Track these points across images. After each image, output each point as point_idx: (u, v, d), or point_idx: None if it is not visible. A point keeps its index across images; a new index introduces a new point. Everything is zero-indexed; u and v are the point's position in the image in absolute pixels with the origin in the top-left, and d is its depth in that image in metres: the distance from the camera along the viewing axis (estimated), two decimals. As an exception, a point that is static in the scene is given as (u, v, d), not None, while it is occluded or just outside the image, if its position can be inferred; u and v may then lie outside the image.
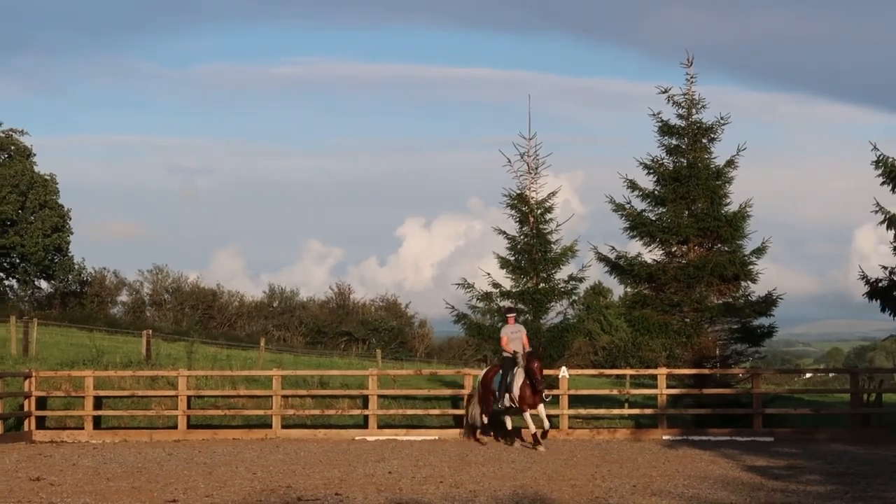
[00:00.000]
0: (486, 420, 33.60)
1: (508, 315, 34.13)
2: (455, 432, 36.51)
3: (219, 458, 29.36)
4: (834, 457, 29.37)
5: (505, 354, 33.24)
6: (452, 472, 25.54)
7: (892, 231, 40.37)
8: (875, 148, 40.41)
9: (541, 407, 31.47)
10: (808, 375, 69.37)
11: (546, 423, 31.71)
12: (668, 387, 37.64)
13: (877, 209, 40.47)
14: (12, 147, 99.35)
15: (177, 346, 58.62)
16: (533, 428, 31.23)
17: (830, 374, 77.87)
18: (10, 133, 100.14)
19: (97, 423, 37.17)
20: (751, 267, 41.67)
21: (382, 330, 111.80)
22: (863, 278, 41.35)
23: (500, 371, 33.28)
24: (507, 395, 31.43)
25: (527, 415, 31.20)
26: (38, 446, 33.85)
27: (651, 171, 42.21)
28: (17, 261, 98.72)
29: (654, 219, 41.99)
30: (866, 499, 20.66)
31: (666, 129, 42.21)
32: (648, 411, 37.55)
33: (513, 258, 42.47)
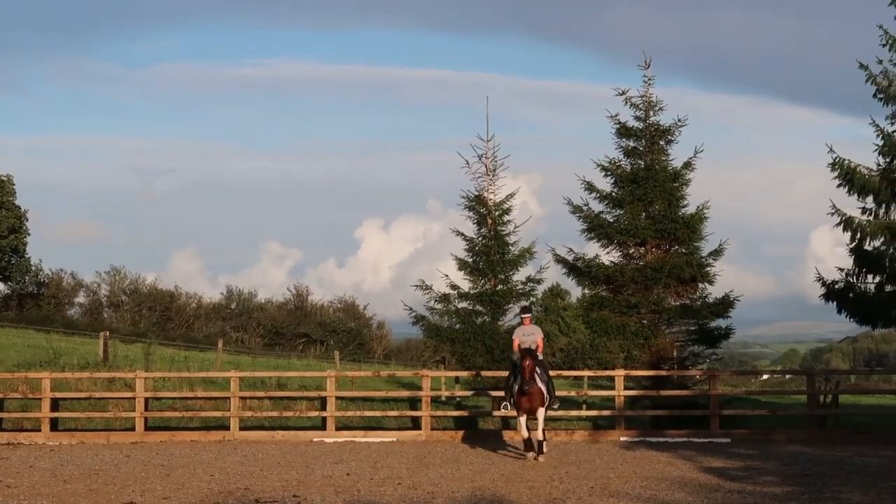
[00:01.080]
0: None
1: (524, 316, 30.36)
2: (413, 434, 36.53)
3: (176, 459, 29.33)
4: (790, 458, 29.51)
5: (515, 359, 29.59)
6: (410, 474, 25.58)
7: (849, 233, 40.59)
8: (831, 150, 40.70)
9: (540, 412, 28.41)
10: (764, 377, 69.85)
11: (541, 434, 28.77)
12: (626, 388, 37.69)
13: (833, 211, 40.72)
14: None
15: (134, 348, 58.55)
16: (525, 433, 28.29)
17: (787, 376, 78.46)
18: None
19: (54, 424, 37.08)
20: (708, 269, 41.74)
21: (341, 331, 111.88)
22: (819, 280, 41.60)
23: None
24: (511, 399, 28.86)
25: (522, 420, 28.39)
26: (-5, 448, 33.76)
27: (609, 172, 42.23)
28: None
29: (611, 220, 42.03)
30: (822, 500, 20.78)
31: (623, 131, 42.22)
32: (606, 413, 37.62)
33: (471, 260, 42.47)
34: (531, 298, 42.04)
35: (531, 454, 27.81)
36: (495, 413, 30.35)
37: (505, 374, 33.17)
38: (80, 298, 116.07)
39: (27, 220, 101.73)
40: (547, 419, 29.77)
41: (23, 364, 43.87)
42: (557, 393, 30.27)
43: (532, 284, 42.64)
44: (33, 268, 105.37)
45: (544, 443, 28.73)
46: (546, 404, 28.49)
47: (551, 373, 35.06)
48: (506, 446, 30.76)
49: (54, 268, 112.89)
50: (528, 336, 29.24)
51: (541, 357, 29.15)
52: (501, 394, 32.24)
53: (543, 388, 27.95)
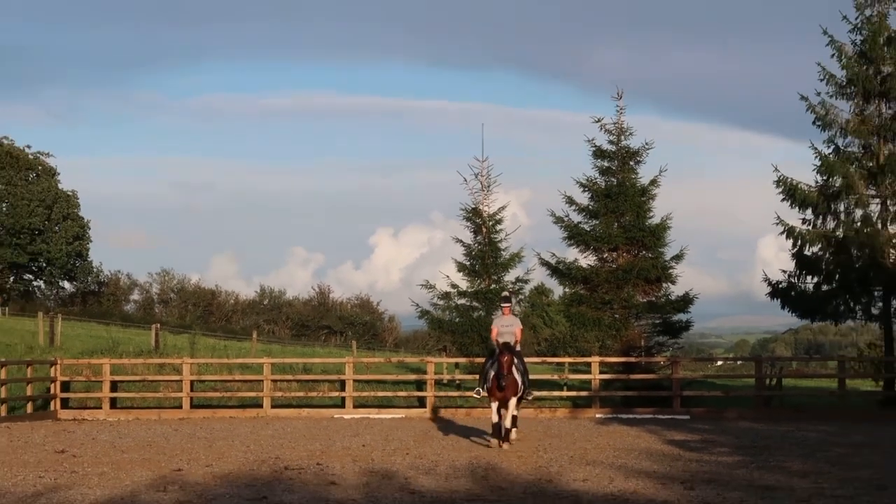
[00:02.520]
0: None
1: (504, 305, 26.55)
2: (419, 411, 36.48)
3: (217, 433, 29.28)
4: (741, 432, 29.46)
5: (492, 346, 26.21)
6: (417, 445, 25.53)
7: (791, 240, 40.62)
8: (776, 170, 40.74)
9: (511, 402, 24.70)
10: (719, 363, 69.44)
11: (508, 421, 24.83)
12: (601, 372, 37.64)
13: (777, 222, 40.76)
14: (39, 167, 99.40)
15: (181, 338, 58.37)
16: (496, 418, 24.80)
17: (738, 362, 77.87)
18: (38, 155, 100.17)
19: (113, 403, 37.06)
20: (671, 271, 42.01)
21: (357, 324, 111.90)
22: (766, 281, 41.61)
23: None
24: (485, 385, 25.27)
25: (493, 406, 24.86)
26: (63, 423, 33.71)
27: (586, 188, 42.54)
28: (44, 265, 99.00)
29: (588, 229, 42.28)
30: (768, 468, 20.74)
31: (599, 153, 42.61)
32: (584, 393, 37.57)
33: (468, 263, 42.62)
34: (520, 296, 42.01)
35: (496, 441, 24.80)
36: (474, 395, 28.18)
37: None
38: (135, 296, 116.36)
39: (89, 229, 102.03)
40: (533, 400, 28.73)
41: (86, 352, 43.76)
42: (542, 377, 29.41)
43: (520, 284, 42.83)
44: (94, 270, 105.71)
45: (512, 431, 25.14)
46: (519, 394, 25.12)
47: (536, 360, 34.98)
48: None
49: (112, 270, 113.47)
50: (507, 327, 25.68)
51: (518, 348, 25.74)
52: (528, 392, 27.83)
53: (518, 380, 24.82)
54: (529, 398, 27.73)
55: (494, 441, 24.87)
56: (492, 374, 24.87)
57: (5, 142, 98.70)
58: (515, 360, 24.97)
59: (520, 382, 24.95)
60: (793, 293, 41.13)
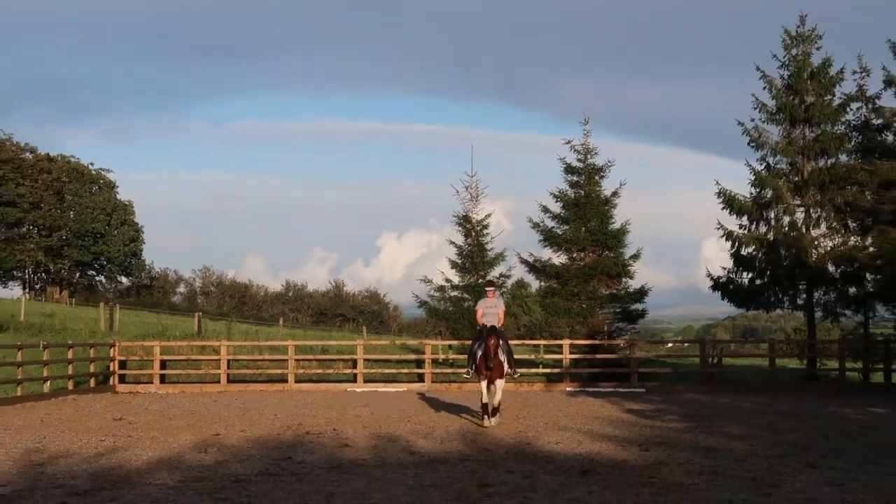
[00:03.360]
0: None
1: (487, 289, 24.84)
2: (419, 385, 36.48)
3: (249, 404, 29.26)
4: (688, 403, 29.45)
5: (479, 328, 24.08)
6: (416, 414, 25.51)
7: (729, 242, 40.78)
8: (717, 184, 41.06)
9: (498, 382, 22.69)
10: (669, 345, 69.60)
11: (496, 401, 22.85)
12: (571, 353, 37.64)
13: (718, 227, 40.96)
14: (101, 181, 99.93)
15: (219, 324, 58.40)
16: (485, 398, 22.67)
17: (685, 344, 77.89)
18: (100, 171, 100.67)
19: (162, 379, 37.06)
20: (629, 268, 42.13)
21: (367, 312, 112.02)
22: (709, 276, 41.80)
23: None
24: (473, 365, 23.29)
25: (483, 384, 22.63)
26: (120, 395, 33.69)
27: (558, 199, 42.71)
28: (105, 263, 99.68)
29: (560, 233, 42.40)
30: (710, 432, 20.75)
31: (569, 170, 42.76)
32: (556, 370, 37.52)
33: (460, 261, 42.72)
34: (503, 289, 41.94)
35: (486, 420, 22.44)
36: (465, 375, 27.29)
37: None
38: (181, 288, 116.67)
39: (142, 232, 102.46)
40: (515, 375, 25.18)
41: (139, 335, 43.81)
42: (521, 357, 28.33)
43: (503, 278, 42.82)
44: (147, 267, 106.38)
45: (499, 410, 23.17)
46: (505, 375, 22.95)
47: (517, 342, 34.76)
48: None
49: (162, 267, 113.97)
50: (491, 308, 23.56)
51: (501, 327, 23.48)
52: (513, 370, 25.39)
53: (504, 361, 22.63)
54: (516, 377, 25.31)
55: (485, 421, 22.41)
56: (479, 354, 22.78)
57: (72, 160, 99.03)
58: (501, 342, 22.73)
59: (505, 364, 22.81)
60: (731, 286, 41.26)
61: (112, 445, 18.32)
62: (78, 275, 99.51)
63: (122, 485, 13.61)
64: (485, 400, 22.66)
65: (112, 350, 36.98)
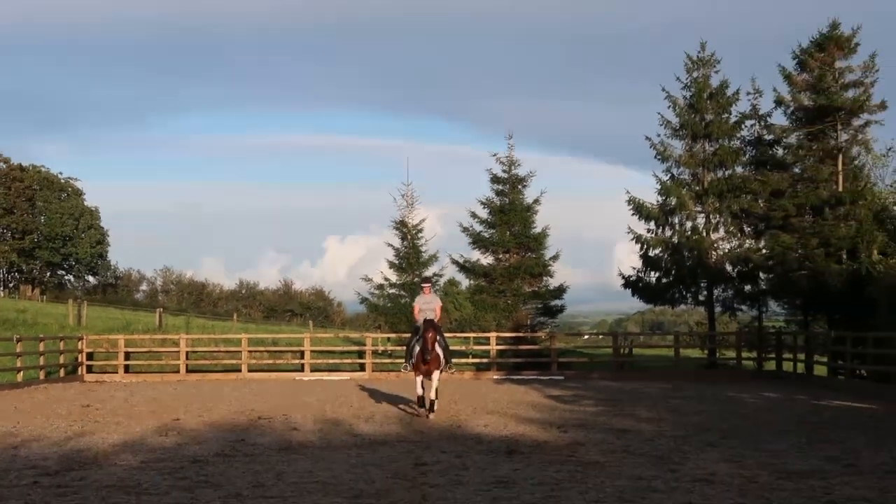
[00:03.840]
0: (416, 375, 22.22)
1: (423, 285, 23.12)
2: (360, 374, 36.40)
3: (206, 392, 29.05)
4: (602, 389, 29.63)
5: (416, 324, 22.32)
6: (358, 401, 25.46)
7: (639, 245, 41.01)
8: (628, 192, 41.25)
9: (435, 374, 21.29)
10: (585, 337, 69.81)
11: (433, 393, 21.19)
12: (497, 344, 37.75)
13: (629, 231, 41.14)
14: (69, 188, 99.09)
15: (179, 319, 57.83)
16: (420, 391, 21.07)
17: (600, 337, 78.31)
18: (68, 179, 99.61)
19: (126, 369, 36.72)
20: (549, 268, 42.62)
21: (313, 308, 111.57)
22: (620, 275, 41.98)
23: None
24: (411, 361, 21.53)
25: (418, 380, 21.13)
26: (88, 384, 33.32)
27: (485, 206, 43.12)
28: (73, 263, 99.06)
29: (487, 237, 42.76)
30: (622, 414, 20.88)
31: (495, 179, 43.09)
32: (485, 360, 37.61)
33: (397, 262, 42.85)
34: (436, 287, 42.00)
35: (423, 411, 20.87)
36: (402, 370, 25.18)
37: None
38: (143, 287, 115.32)
39: (108, 235, 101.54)
40: (451, 370, 24.17)
41: (105, 329, 43.31)
42: (452, 348, 27.58)
43: (437, 277, 42.73)
44: (112, 267, 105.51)
45: (436, 402, 21.37)
46: (441, 368, 21.59)
47: (449, 335, 34.66)
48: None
49: (126, 267, 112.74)
50: (428, 304, 22.07)
51: (438, 323, 22.03)
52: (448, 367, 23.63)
53: (441, 354, 21.30)
54: (451, 371, 24.17)
55: (422, 411, 20.80)
56: (417, 349, 21.22)
57: (43, 169, 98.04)
58: (438, 337, 21.30)
59: (442, 357, 21.44)
60: (640, 285, 41.52)
61: (80, 430, 18.13)
62: (48, 274, 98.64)
63: (90, 465, 13.48)
64: (420, 392, 21.05)
65: (80, 343, 36.64)
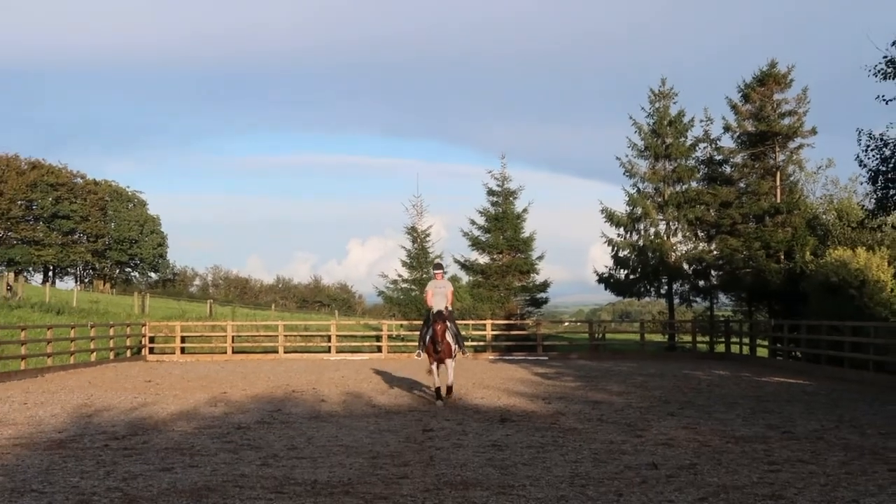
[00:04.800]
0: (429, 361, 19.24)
1: (436, 272, 19.59)
2: (378, 355, 36.39)
3: (249, 370, 29.04)
4: (580, 367, 29.58)
5: (429, 309, 18.97)
6: (376, 377, 25.43)
7: (610, 247, 41.12)
8: (601, 203, 41.56)
9: (448, 362, 18.36)
10: (566, 324, 69.68)
11: (449, 379, 18.41)
12: (492, 330, 37.75)
13: (602, 235, 41.29)
14: (135, 199, 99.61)
15: (226, 309, 57.93)
16: (436, 381, 18.34)
17: (578, 324, 78.29)
18: (134, 192, 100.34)
19: (182, 350, 36.72)
20: (535, 266, 42.65)
21: (338, 300, 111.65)
22: (595, 272, 42.09)
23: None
24: (423, 348, 18.81)
25: (433, 367, 18.55)
26: (150, 363, 33.31)
27: (482, 214, 43.15)
28: (138, 262, 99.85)
29: (484, 240, 42.73)
30: (597, 389, 20.84)
31: (490, 192, 43.14)
32: (481, 343, 37.59)
33: (409, 261, 42.90)
34: (452, 288, 42.04)
35: (439, 402, 17.67)
36: (416, 357, 22.53)
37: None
38: (196, 281, 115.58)
39: (167, 238, 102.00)
40: (464, 354, 21.79)
41: (164, 317, 43.32)
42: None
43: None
44: (170, 265, 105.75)
45: (452, 386, 18.66)
46: (454, 356, 18.65)
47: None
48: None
49: (182, 265, 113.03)
50: (440, 288, 18.87)
51: (450, 308, 19.07)
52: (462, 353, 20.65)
53: (452, 343, 18.41)
54: (465, 355, 22.44)
55: (438, 403, 17.68)
56: (428, 338, 18.42)
57: (113, 183, 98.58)
58: (449, 324, 18.38)
59: (454, 346, 18.54)
60: (612, 280, 41.55)
61: (143, 401, 18.11)
62: (117, 271, 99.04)
63: (152, 431, 13.46)
64: (437, 383, 18.26)
65: (144, 328, 36.63)
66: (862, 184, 30.51)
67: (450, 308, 18.85)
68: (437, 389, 18.17)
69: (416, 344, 20.64)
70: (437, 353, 18.15)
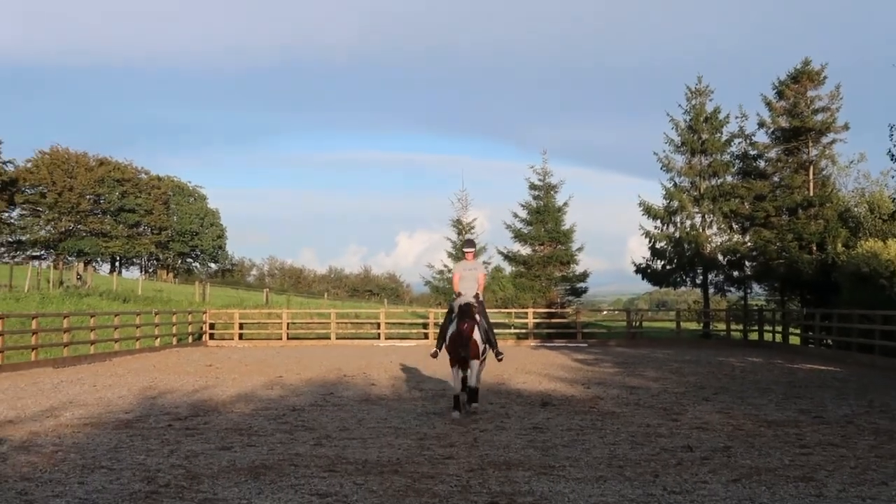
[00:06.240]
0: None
1: (466, 251, 14.38)
2: (425, 341, 36.50)
3: (303, 355, 29.26)
4: (618, 354, 29.45)
5: (455, 295, 13.79)
6: (423, 362, 25.52)
7: (648, 239, 40.86)
8: (639, 197, 41.20)
9: (473, 363, 13.20)
10: (604, 313, 69.47)
11: (472, 381, 13.28)
12: (534, 318, 37.72)
13: (640, 228, 41.06)
14: (196, 194, 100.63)
15: (281, 297, 58.40)
16: (458, 387, 13.41)
17: (616, 312, 77.89)
18: (195, 187, 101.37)
19: (240, 336, 37.10)
20: (575, 257, 42.38)
21: (387, 289, 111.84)
22: (633, 263, 41.84)
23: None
24: (443, 345, 13.77)
25: (454, 372, 13.47)
26: (210, 348, 33.69)
27: (524, 207, 42.89)
28: (199, 253, 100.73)
29: (526, 232, 42.47)
30: (635, 374, 20.75)
31: (532, 186, 42.85)
32: (523, 331, 37.59)
33: (454, 252, 42.73)
34: (486, 269, 42.12)
35: (455, 413, 12.98)
36: (432, 357, 14.54)
37: None
38: (253, 271, 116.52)
39: (226, 230, 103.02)
40: (498, 357, 13.98)
41: (224, 305, 43.79)
42: (497, 321, 23.34)
43: (486, 265, 42.74)
44: (229, 256, 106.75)
45: (477, 391, 13.51)
46: (482, 357, 13.45)
47: (495, 310, 34.60)
48: None
49: (240, 256, 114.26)
50: (469, 271, 13.94)
51: (481, 297, 13.98)
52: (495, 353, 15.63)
53: (480, 342, 13.27)
54: (499, 359, 13.93)
55: (454, 414, 13.02)
56: (449, 335, 13.42)
57: (175, 179, 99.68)
58: (478, 318, 13.30)
59: (481, 344, 13.34)
60: (649, 271, 41.32)
61: (204, 384, 18.33)
62: (179, 261, 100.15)
63: (212, 412, 13.63)
64: (458, 389, 13.49)
65: (204, 315, 37.06)
66: (893, 177, 29.99)
67: (480, 296, 14.05)
68: (456, 397, 13.37)
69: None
70: (461, 356, 13.21)
